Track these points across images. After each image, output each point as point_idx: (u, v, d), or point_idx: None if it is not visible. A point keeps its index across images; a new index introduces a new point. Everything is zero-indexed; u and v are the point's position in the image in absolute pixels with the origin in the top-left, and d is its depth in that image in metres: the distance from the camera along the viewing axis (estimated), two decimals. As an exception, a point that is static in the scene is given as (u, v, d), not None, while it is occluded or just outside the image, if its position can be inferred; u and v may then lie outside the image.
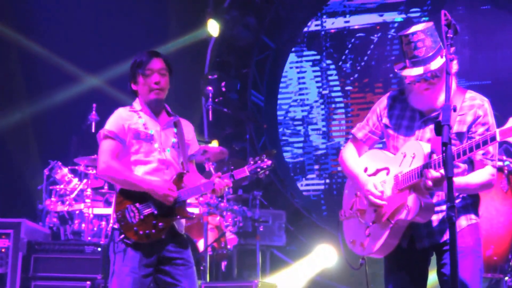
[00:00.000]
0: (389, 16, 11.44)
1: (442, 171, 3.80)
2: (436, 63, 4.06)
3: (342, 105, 11.64)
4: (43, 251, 7.29)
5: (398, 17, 11.43)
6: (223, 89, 10.92)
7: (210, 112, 9.67)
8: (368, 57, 11.41)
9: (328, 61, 11.67)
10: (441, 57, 4.05)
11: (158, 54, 5.09)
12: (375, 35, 11.39)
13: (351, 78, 11.50)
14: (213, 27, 10.89)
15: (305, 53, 11.89)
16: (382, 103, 4.43)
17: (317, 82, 11.73)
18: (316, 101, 11.70)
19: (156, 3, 11.33)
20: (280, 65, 11.85)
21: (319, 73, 11.73)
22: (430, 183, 3.89)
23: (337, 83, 11.66)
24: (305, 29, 11.80)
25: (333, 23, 11.70)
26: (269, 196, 10.52)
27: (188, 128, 5.20)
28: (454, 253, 3.51)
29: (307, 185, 11.55)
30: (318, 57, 11.74)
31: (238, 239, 8.22)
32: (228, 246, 8.05)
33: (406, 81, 4.17)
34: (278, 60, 11.82)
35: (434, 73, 4.08)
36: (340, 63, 11.58)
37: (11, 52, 10.49)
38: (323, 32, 11.69)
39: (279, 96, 11.89)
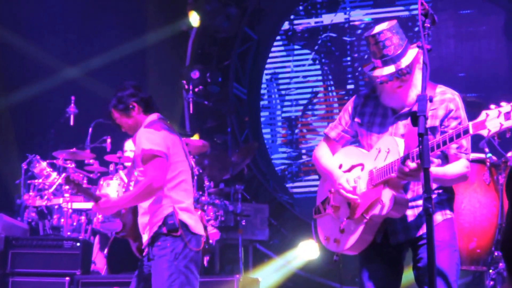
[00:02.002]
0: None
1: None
2: (407, 60, 4.06)
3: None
4: (20, 247, 7.20)
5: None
6: (206, 81, 10.79)
7: (191, 104, 9.59)
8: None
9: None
10: (409, 51, 4.06)
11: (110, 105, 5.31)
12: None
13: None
14: (194, 18, 10.76)
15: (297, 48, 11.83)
16: (354, 101, 4.41)
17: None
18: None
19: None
20: (263, 57, 11.74)
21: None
22: (408, 173, 3.86)
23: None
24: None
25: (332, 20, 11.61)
26: (252, 190, 10.47)
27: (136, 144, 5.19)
28: (431, 244, 3.49)
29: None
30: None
31: (220, 234, 8.15)
32: (210, 241, 7.95)
33: (377, 81, 4.15)
34: (261, 52, 11.70)
35: (406, 70, 4.06)
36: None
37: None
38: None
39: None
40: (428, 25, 3.77)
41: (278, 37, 11.82)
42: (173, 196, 4.95)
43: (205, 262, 8.01)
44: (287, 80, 11.71)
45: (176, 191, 4.98)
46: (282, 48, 11.85)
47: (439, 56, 10.76)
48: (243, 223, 8.45)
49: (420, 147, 3.58)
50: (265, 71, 11.78)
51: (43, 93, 10.11)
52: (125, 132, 8.51)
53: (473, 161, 5.34)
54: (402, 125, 4.16)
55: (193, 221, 5.01)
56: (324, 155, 4.45)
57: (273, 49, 11.83)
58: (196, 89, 9.64)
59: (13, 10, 10.47)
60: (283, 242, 10.18)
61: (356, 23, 11.43)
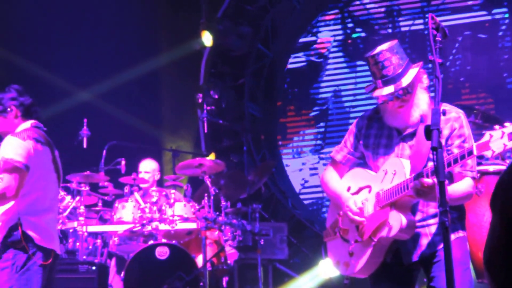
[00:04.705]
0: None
1: (435, 179, 3.72)
2: (406, 79, 4.07)
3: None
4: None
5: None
6: (220, 100, 10.73)
7: (205, 124, 9.52)
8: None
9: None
10: (409, 70, 4.07)
11: None
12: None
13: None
14: (206, 38, 10.74)
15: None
16: (358, 124, 4.42)
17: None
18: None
19: (147, 15, 11.22)
20: (277, 74, 11.63)
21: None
22: (424, 189, 3.82)
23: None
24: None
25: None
26: (270, 208, 10.34)
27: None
28: (449, 258, 3.46)
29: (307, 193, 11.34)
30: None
31: (238, 254, 8.03)
32: (229, 261, 7.87)
33: (378, 102, 4.18)
34: (275, 69, 11.60)
35: (406, 90, 4.06)
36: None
37: (-1, 68, 10.32)
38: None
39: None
40: (440, 38, 3.77)
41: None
42: (23, 208, 4.96)
43: (224, 283, 7.90)
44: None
45: (29, 203, 4.99)
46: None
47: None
48: (262, 243, 8.31)
49: (434, 159, 3.54)
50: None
51: (56, 116, 10.03)
52: (139, 154, 8.46)
53: (494, 173, 5.29)
54: (408, 146, 4.15)
55: (41, 234, 4.98)
56: (331, 178, 4.45)
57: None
58: (208, 108, 9.57)
59: (25, 35, 10.49)
60: (304, 260, 10.08)
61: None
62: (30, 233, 4.92)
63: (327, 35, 11.64)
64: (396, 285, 4.20)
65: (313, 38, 11.66)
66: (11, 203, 4.93)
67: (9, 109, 5.19)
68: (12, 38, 10.38)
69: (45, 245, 4.99)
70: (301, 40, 11.69)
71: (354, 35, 11.45)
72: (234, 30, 11.16)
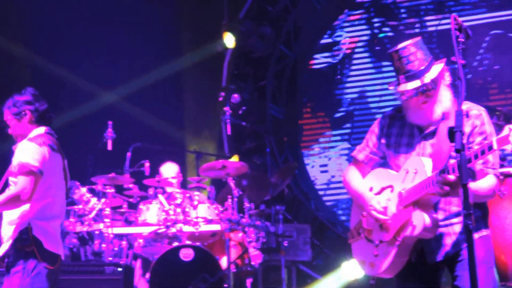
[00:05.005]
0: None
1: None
2: (432, 74, 4.06)
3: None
4: (63, 273, 7.10)
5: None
6: (242, 101, 10.74)
7: (229, 126, 9.53)
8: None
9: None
10: (433, 66, 4.08)
11: (5, 103, 5.36)
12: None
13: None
14: (228, 39, 10.76)
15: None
16: (379, 123, 4.41)
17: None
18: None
19: (170, 17, 11.25)
20: (300, 75, 11.64)
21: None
22: (446, 187, 3.82)
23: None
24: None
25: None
26: (293, 210, 10.35)
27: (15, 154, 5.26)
28: (472, 260, 3.51)
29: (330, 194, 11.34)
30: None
31: (262, 255, 8.05)
32: (252, 263, 7.89)
33: (402, 98, 4.15)
34: (297, 70, 11.61)
35: (431, 85, 4.05)
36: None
37: (24, 71, 10.41)
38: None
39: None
40: (462, 39, 3.77)
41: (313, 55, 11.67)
42: (34, 213, 5.04)
43: (248, 285, 7.93)
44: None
45: (40, 208, 5.07)
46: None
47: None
48: (285, 244, 8.33)
49: (458, 161, 3.57)
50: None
51: (81, 119, 10.17)
52: (163, 156, 8.51)
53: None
54: (429, 145, 4.14)
55: (49, 239, 5.06)
56: (354, 178, 4.45)
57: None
58: (231, 109, 9.59)
59: (50, 37, 10.58)
60: (326, 262, 10.07)
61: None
62: (40, 237, 5.01)
63: (352, 35, 11.58)
64: (422, 285, 4.20)
65: (337, 38, 11.63)
66: (24, 207, 5.00)
67: (23, 113, 5.24)
68: (38, 40, 10.48)
69: (53, 250, 5.07)
70: (324, 41, 11.67)
71: (381, 35, 11.40)
72: (256, 31, 11.17)
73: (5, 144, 5.83)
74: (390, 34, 11.33)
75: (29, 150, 5.06)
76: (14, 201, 4.97)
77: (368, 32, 11.50)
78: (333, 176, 11.27)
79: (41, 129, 5.25)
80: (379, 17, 11.42)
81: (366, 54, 11.49)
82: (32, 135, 5.20)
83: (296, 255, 9.28)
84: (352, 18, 11.62)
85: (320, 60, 11.74)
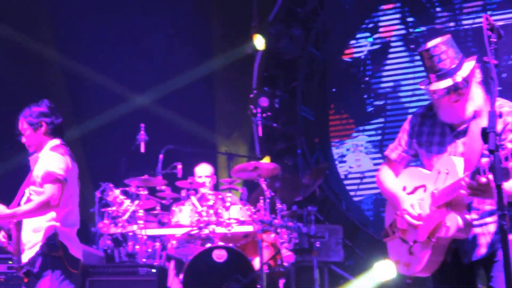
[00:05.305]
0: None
1: (490, 176, 3.71)
2: (463, 72, 4.02)
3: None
4: (97, 274, 7.23)
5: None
6: (273, 103, 10.78)
7: (260, 127, 9.57)
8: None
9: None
10: (464, 64, 4.04)
11: (21, 113, 5.50)
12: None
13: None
14: (258, 41, 10.78)
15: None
16: (411, 121, 4.38)
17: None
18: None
19: (200, 20, 11.30)
20: (329, 76, 11.63)
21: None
22: (479, 188, 3.79)
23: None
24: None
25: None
26: (324, 211, 10.35)
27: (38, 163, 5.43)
28: (507, 261, 3.45)
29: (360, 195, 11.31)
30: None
31: (294, 256, 8.05)
32: (285, 264, 7.89)
33: (434, 97, 4.12)
34: (327, 71, 11.61)
35: (463, 83, 4.03)
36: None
37: (57, 74, 10.53)
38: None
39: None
40: (495, 39, 3.72)
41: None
42: (59, 219, 5.24)
43: (281, 285, 7.93)
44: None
45: (64, 215, 5.28)
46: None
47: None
48: (317, 245, 8.34)
49: (492, 162, 3.54)
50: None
51: (114, 122, 10.25)
52: (195, 158, 8.56)
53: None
54: (461, 143, 4.11)
55: (73, 244, 5.30)
56: (387, 178, 4.43)
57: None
58: (264, 114, 9.65)
59: (83, 42, 10.68)
60: (358, 263, 10.04)
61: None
62: (65, 243, 5.22)
63: (384, 33, 11.48)
64: (458, 285, 4.19)
65: (369, 36, 11.57)
66: (51, 214, 5.21)
67: (39, 124, 5.42)
68: (70, 44, 10.59)
69: (76, 255, 5.29)
70: (354, 39, 11.63)
71: (416, 30, 11.28)
72: (286, 33, 11.19)
73: (19, 154, 5.98)
74: (423, 29, 11.21)
75: (54, 159, 5.28)
76: (44, 207, 5.19)
77: (402, 30, 11.37)
78: (363, 172, 11.24)
79: (57, 141, 5.44)
80: (412, 15, 11.31)
81: (400, 49, 11.33)
82: (50, 146, 5.41)
83: (328, 256, 9.27)
84: (383, 16, 11.52)
85: (351, 58, 11.68)
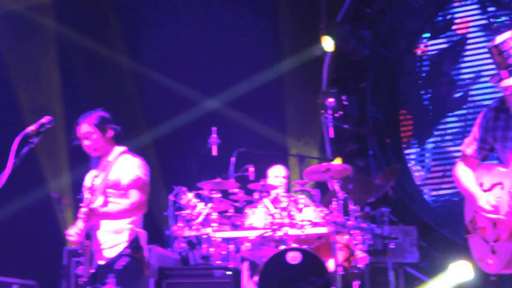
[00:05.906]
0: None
1: None
2: None
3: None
4: (174, 277, 7.30)
5: None
6: (343, 104, 10.74)
7: (331, 129, 9.53)
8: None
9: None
10: None
11: (85, 117, 5.58)
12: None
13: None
14: (327, 43, 10.74)
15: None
16: (486, 116, 4.32)
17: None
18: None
19: (268, 22, 11.34)
20: (399, 76, 11.52)
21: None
22: None
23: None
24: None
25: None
26: (398, 212, 10.25)
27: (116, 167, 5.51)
28: None
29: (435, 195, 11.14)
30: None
31: (369, 258, 8.00)
32: (359, 265, 7.84)
33: (506, 93, 4.06)
34: (397, 71, 11.50)
35: None
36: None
37: (128, 80, 10.72)
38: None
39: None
40: None
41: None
42: (138, 222, 5.47)
43: (355, 287, 7.89)
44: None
45: (140, 218, 5.51)
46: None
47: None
48: (392, 246, 8.26)
49: None
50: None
51: (185, 126, 10.37)
52: (267, 160, 8.58)
53: None
54: None
55: (145, 247, 5.52)
56: (463, 174, 4.38)
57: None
58: (336, 115, 9.60)
59: (151, 47, 10.82)
60: (434, 264, 9.92)
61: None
62: (143, 245, 5.45)
63: (463, 21, 11.23)
64: None
65: (442, 30, 11.38)
66: (134, 217, 5.44)
67: (108, 129, 5.58)
68: (142, 50, 10.76)
69: (147, 258, 5.54)
70: (428, 32, 11.45)
71: (498, 20, 11.02)
72: (354, 33, 11.15)
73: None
74: (505, 19, 10.91)
75: (139, 165, 5.52)
76: (137, 209, 5.44)
77: (482, 17, 11.06)
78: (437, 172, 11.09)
79: (122, 148, 5.63)
80: (493, 5, 11.05)
81: (480, 39, 11.05)
82: (120, 151, 5.59)
83: (403, 257, 9.17)
84: (460, 12, 11.30)
85: (420, 55, 11.53)
